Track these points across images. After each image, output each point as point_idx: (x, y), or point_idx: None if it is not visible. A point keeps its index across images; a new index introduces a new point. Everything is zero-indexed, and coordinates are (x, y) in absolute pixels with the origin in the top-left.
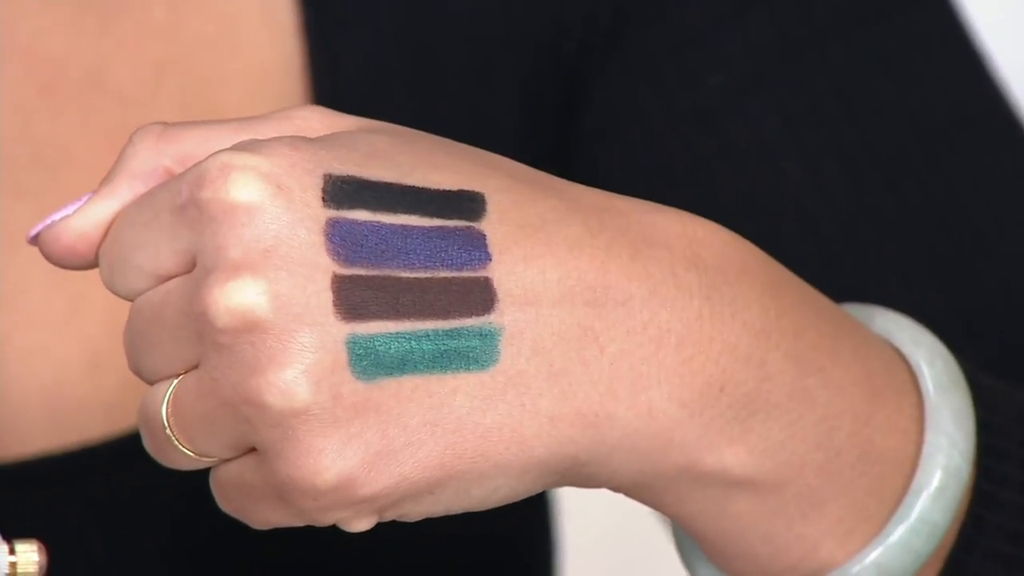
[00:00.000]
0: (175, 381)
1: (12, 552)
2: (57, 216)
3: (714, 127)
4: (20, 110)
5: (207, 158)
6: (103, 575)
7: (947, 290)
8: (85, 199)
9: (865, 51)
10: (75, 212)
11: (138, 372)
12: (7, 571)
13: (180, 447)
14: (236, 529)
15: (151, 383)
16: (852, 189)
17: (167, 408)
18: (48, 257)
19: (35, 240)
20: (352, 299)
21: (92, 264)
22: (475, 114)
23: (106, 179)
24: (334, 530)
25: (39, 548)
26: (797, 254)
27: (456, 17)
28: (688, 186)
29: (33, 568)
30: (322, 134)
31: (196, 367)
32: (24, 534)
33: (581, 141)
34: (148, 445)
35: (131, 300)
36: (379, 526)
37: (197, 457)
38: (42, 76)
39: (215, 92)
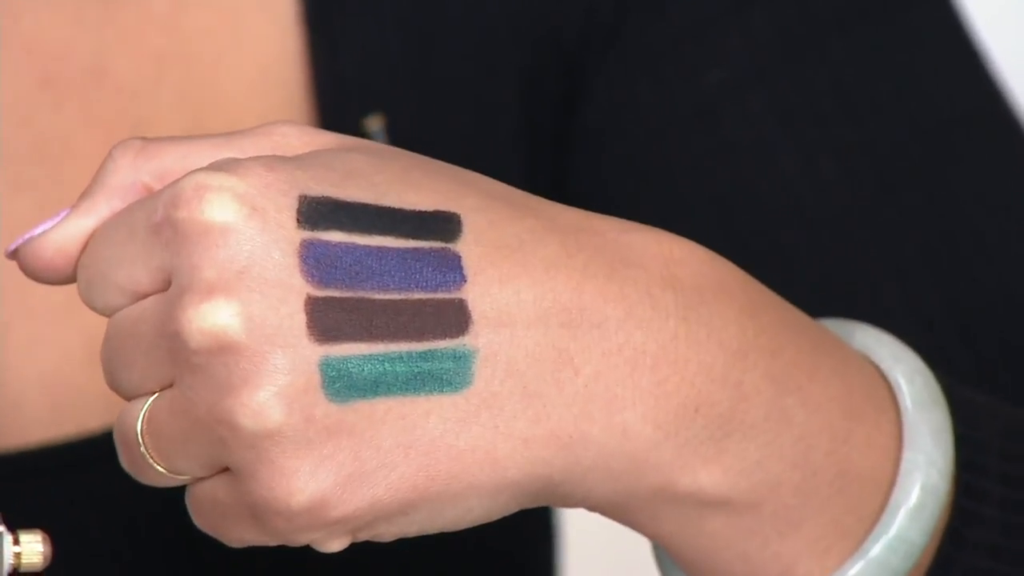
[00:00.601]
0: (150, 399)
1: (16, 542)
2: (36, 231)
3: (713, 123)
4: (21, 103)
5: (183, 177)
6: (103, 564)
7: (944, 289)
8: (63, 214)
9: (864, 49)
10: (53, 227)
11: (115, 387)
12: (11, 561)
13: (154, 464)
14: None
15: (127, 399)
16: (849, 187)
17: (142, 425)
18: (27, 272)
19: (14, 255)
20: (325, 321)
21: (71, 279)
22: (476, 105)
23: (84, 194)
24: None
25: (43, 538)
26: (793, 251)
27: (457, 7)
28: (686, 181)
29: (37, 558)
30: (300, 151)
31: (171, 386)
32: (25, 523)
33: (580, 135)
34: (123, 460)
35: (108, 316)
36: None
37: (171, 475)
38: (43, 68)
39: (216, 84)
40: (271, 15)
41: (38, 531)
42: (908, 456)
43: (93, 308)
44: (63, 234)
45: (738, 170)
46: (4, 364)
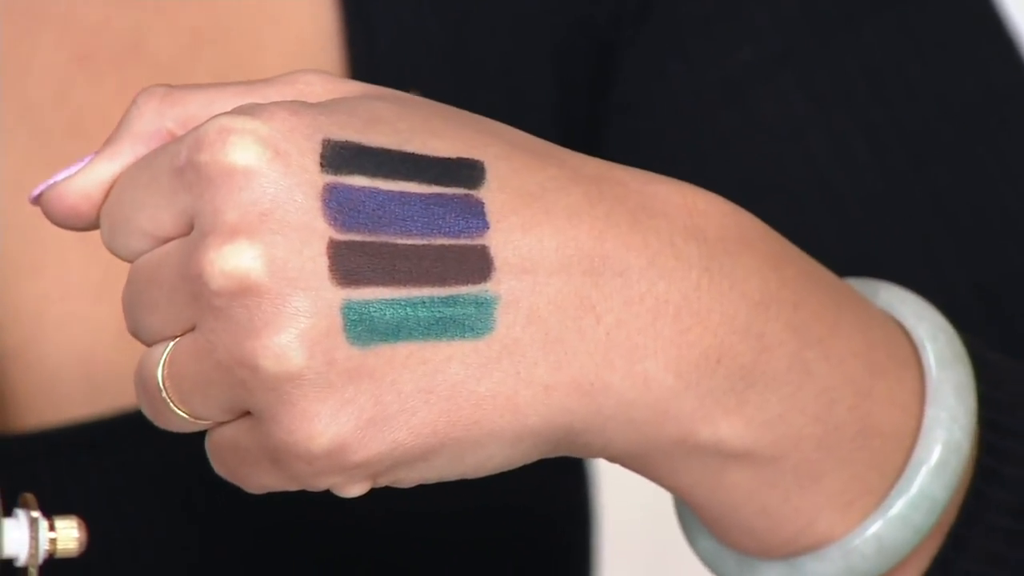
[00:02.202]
0: (171, 343)
1: (52, 528)
2: (60, 176)
3: (742, 102)
4: (57, 79)
5: (206, 121)
6: (137, 540)
7: (973, 270)
8: (88, 160)
9: (895, 29)
10: (77, 172)
11: (136, 333)
12: (47, 547)
13: (175, 409)
14: (268, 496)
15: (148, 344)
16: (879, 167)
17: (163, 370)
18: (50, 217)
19: (37, 200)
20: (348, 264)
21: (94, 225)
22: (509, 84)
23: (109, 140)
24: (362, 501)
25: (79, 524)
26: (822, 231)
27: None
28: (714, 160)
29: (73, 544)
30: (324, 98)
31: (192, 329)
32: (59, 500)
33: (610, 113)
34: (144, 407)
35: (129, 260)
36: (409, 498)
37: (192, 420)
38: (79, 45)
39: (252, 61)
40: None
41: (73, 517)
42: (931, 413)
43: (116, 253)
44: (87, 179)
45: (767, 149)
46: (40, 342)
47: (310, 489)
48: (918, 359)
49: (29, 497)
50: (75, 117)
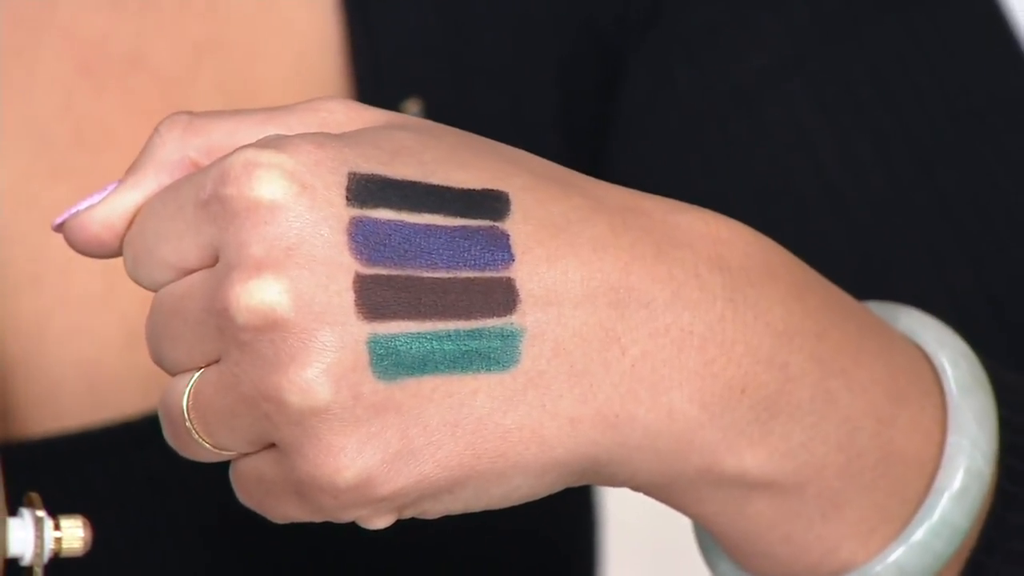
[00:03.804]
0: (196, 374)
1: (57, 528)
2: (83, 205)
3: (751, 108)
4: (60, 89)
5: (232, 154)
6: (142, 547)
7: (981, 275)
8: (111, 188)
9: (902, 35)
10: (100, 202)
11: (159, 362)
12: (52, 547)
13: (199, 440)
14: None
15: (172, 374)
16: (887, 173)
17: (188, 401)
18: (73, 246)
19: (60, 228)
20: (374, 298)
21: (116, 253)
22: (513, 90)
23: (132, 169)
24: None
25: (84, 523)
26: (830, 237)
27: None
28: (722, 166)
29: (78, 544)
30: (347, 126)
31: (217, 361)
32: (65, 507)
33: (618, 119)
34: (168, 435)
35: (152, 290)
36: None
37: (216, 451)
38: (82, 55)
39: (254, 72)
40: (310, 3)
41: (78, 516)
42: (952, 440)
43: (139, 283)
44: (110, 208)
45: (775, 156)
46: (44, 351)
47: (335, 521)
48: (939, 385)
49: (34, 496)
50: (77, 128)
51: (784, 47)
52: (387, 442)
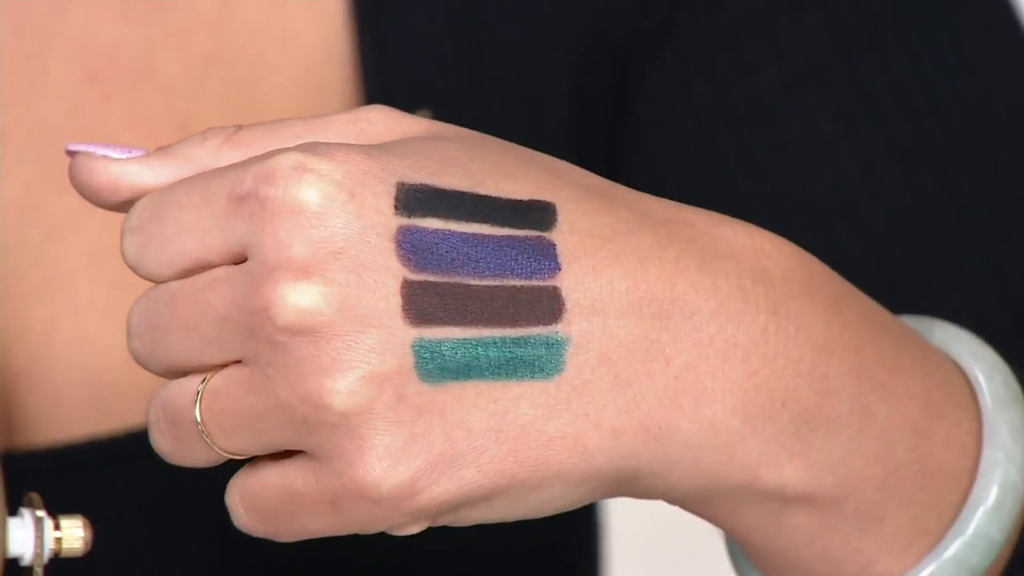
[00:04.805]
0: (210, 375)
1: (57, 527)
2: (102, 151)
3: (768, 120)
4: (67, 98)
5: (279, 154)
6: (146, 556)
7: (1001, 286)
8: (136, 153)
9: (921, 46)
10: (119, 160)
11: (151, 357)
12: (52, 546)
13: (209, 443)
14: None
15: (167, 371)
16: (906, 185)
17: (201, 403)
18: (72, 178)
19: (71, 153)
20: (421, 304)
21: (103, 206)
22: (524, 101)
23: (161, 151)
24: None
25: (84, 523)
26: (849, 248)
27: (506, 2)
28: (741, 179)
29: (78, 543)
30: (386, 137)
31: (237, 362)
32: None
33: (634, 130)
34: (163, 439)
35: (157, 281)
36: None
37: (219, 454)
38: (90, 65)
39: (262, 82)
40: (318, 13)
41: (79, 516)
42: (987, 453)
43: (141, 270)
44: (125, 171)
45: (794, 168)
46: (48, 361)
47: (362, 532)
48: (975, 399)
49: (34, 496)
50: (84, 137)
51: (802, 57)
52: (431, 443)
